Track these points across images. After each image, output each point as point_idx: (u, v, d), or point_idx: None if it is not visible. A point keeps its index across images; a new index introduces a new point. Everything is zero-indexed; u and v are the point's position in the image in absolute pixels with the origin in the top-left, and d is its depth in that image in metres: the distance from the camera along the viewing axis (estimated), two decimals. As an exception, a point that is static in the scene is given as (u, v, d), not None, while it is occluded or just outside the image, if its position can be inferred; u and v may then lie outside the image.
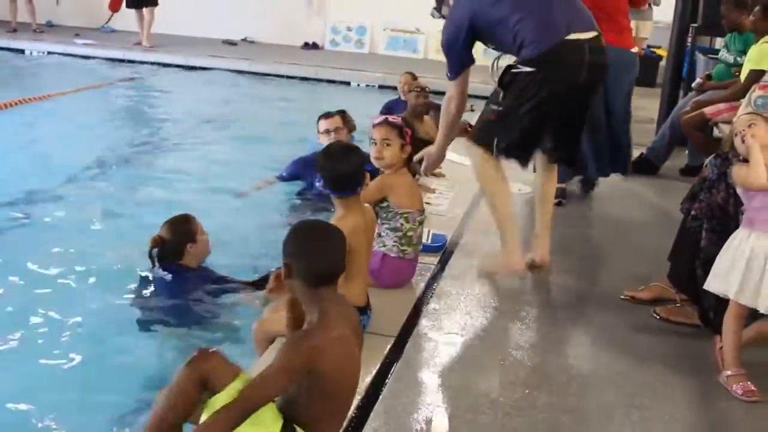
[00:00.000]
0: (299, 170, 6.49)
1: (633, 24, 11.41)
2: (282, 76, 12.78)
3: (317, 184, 3.96)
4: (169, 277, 4.58)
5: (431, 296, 4.34)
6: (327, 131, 6.19)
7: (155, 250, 4.55)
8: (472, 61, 4.61)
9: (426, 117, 7.64)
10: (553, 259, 4.88)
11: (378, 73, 12.43)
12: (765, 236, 3.48)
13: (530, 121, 4.34)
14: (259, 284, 4.47)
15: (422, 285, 4.48)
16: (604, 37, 4.50)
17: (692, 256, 3.98)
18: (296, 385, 2.63)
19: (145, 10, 13.72)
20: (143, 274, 4.72)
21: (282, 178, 6.59)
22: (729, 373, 3.58)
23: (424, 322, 4.04)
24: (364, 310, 3.79)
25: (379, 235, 4.30)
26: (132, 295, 4.70)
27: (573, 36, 4.26)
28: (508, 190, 4.65)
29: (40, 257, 5.26)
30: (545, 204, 4.87)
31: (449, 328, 4.02)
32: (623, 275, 4.82)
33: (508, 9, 4.30)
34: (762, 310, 3.50)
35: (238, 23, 14.95)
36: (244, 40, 15.10)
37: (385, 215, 4.27)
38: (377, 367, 3.57)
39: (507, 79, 4.36)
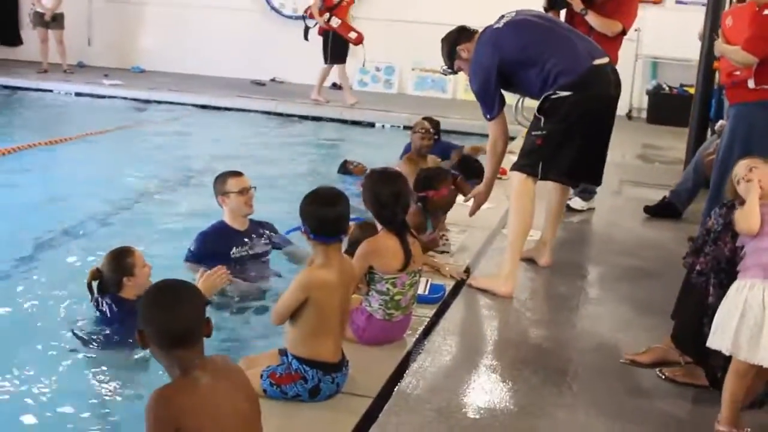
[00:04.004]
0: (212, 245, 5.46)
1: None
2: (307, 117, 12.67)
3: (299, 230, 3.67)
4: (105, 308, 4.58)
5: (420, 352, 4.08)
6: (244, 190, 5.50)
7: (94, 282, 4.57)
8: (504, 101, 5.13)
9: (430, 156, 7.63)
10: (554, 311, 4.81)
11: (404, 113, 12.24)
12: (758, 284, 3.24)
13: (573, 137, 4.88)
14: None
15: (413, 339, 4.22)
16: None
17: (699, 314, 3.69)
18: None
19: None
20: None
21: (193, 259, 5.44)
22: (722, 429, 3.34)
23: (408, 382, 3.77)
24: (338, 367, 3.55)
25: (367, 293, 4.07)
26: (77, 325, 4.72)
27: (597, 62, 4.91)
28: (531, 223, 5.03)
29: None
30: (556, 218, 5.54)
31: (436, 388, 3.74)
32: (628, 330, 4.54)
33: (537, 51, 4.89)
34: (764, 365, 3.22)
35: (266, 63, 14.93)
36: (272, 80, 15.05)
37: (370, 278, 4.03)
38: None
39: (547, 105, 4.83)
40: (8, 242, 6.27)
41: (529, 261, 5.49)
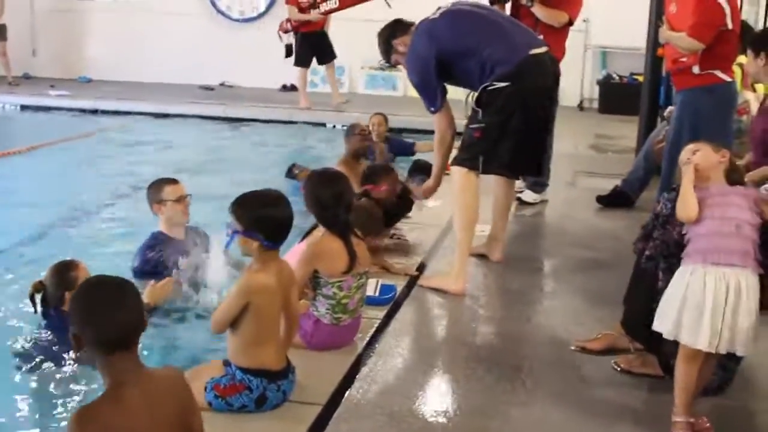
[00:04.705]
0: (156, 257, 5.23)
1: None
2: (257, 120, 12.48)
3: (228, 235, 3.46)
4: (49, 321, 4.45)
5: (371, 356, 3.98)
6: (181, 198, 5.32)
7: (37, 295, 4.39)
8: (446, 90, 5.01)
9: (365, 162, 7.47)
10: (507, 306, 4.77)
11: (355, 112, 12.10)
12: (699, 268, 3.18)
13: (511, 128, 4.75)
14: None
15: (364, 343, 4.12)
16: None
17: (649, 299, 3.63)
18: None
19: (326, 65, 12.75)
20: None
21: (142, 273, 5.16)
22: (677, 419, 3.28)
23: (358, 387, 3.67)
24: (284, 374, 3.45)
25: (313, 298, 3.97)
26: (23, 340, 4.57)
27: (534, 51, 4.82)
28: (476, 218, 4.92)
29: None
30: (504, 212, 5.44)
31: (387, 392, 3.65)
32: (581, 323, 4.46)
33: (475, 41, 4.77)
34: (703, 348, 3.17)
35: (215, 68, 14.71)
36: (222, 84, 14.87)
37: (316, 282, 3.93)
38: (297, 442, 3.22)
39: (484, 97, 4.74)
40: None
41: (482, 257, 5.42)
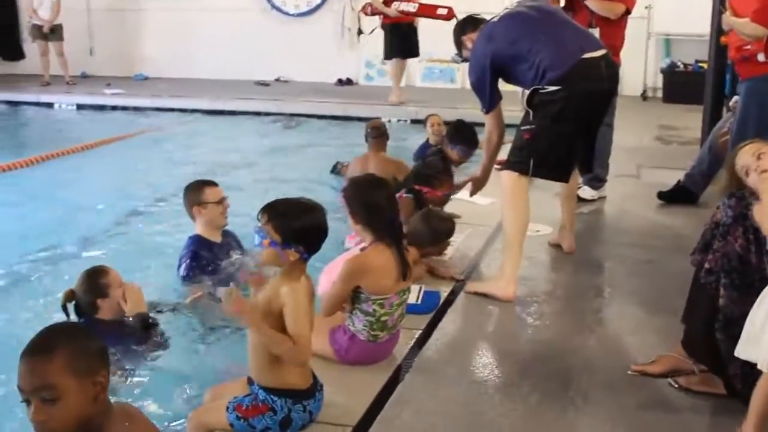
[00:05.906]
0: (204, 262, 5.15)
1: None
2: (311, 116, 12.32)
3: (261, 245, 3.20)
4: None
5: (408, 371, 3.73)
6: (222, 200, 5.26)
7: (70, 304, 4.26)
8: (500, 95, 4.97)
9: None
10: (559, 314, 4.46)
11: (411, 107, 11.86)
12: None
13: (562, 133, 4.63)
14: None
15: (401, 357, 3.86)
16: None
17: (709, 317, 3.31)
18: None
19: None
20: None
21: (187, 276, 5.13)
22: None
23: (392, 406, 3.41)
24: (310, 393, 3.20)
25: (351, 311, 3.72)
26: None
27: (587, 55, 4.62)
28: (528, 220, 4.72)
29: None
30: (569, 201, 5.48)
31: (422, 411, 3.38)
32: (637, 333, 4.17)
33: (526, 46, 4.65)
34: None
35: (271, 63, 14.63)
36: (277, 80, 14.74)
37: (356, 296, 3.68)
38: (322, 470, 2.99)
39: (536, 100, 4.63)
40: (3, 258, 6.08)
41: (557, 247, 5.47)
